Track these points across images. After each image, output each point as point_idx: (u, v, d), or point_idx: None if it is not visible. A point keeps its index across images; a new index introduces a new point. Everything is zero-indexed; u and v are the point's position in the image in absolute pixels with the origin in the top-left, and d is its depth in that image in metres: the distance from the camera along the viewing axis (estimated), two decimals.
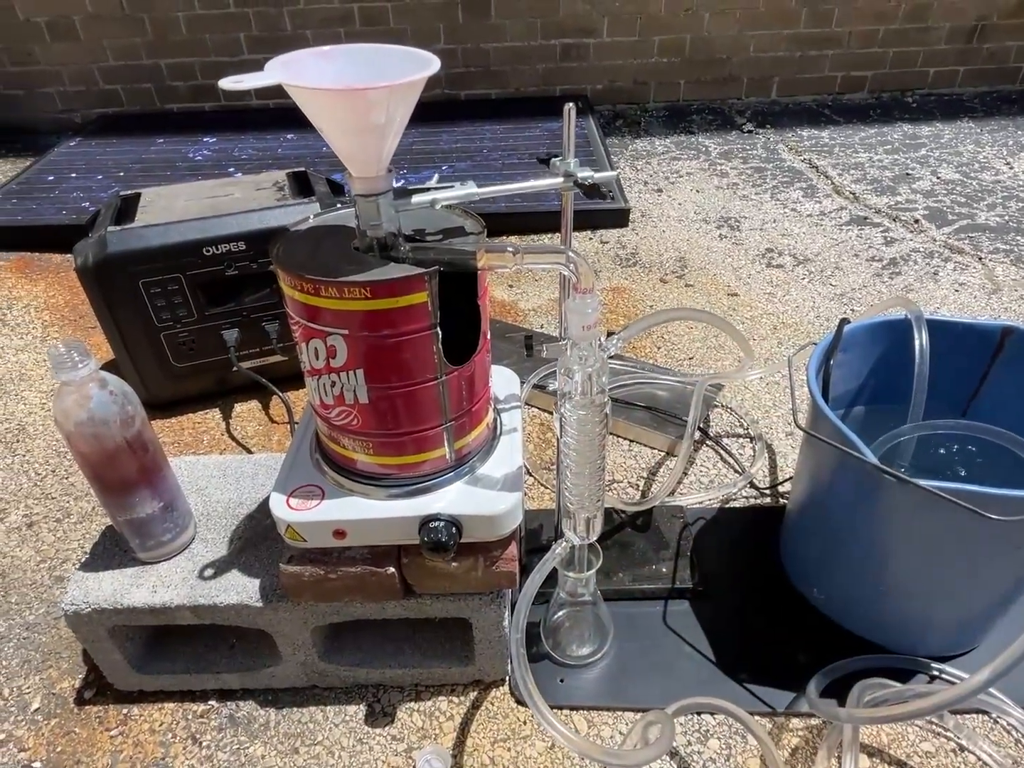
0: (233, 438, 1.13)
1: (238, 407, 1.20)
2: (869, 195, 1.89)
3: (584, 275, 0.50)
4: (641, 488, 1.01)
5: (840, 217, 1.79)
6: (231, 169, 2.01)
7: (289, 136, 2.22)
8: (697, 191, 1.96)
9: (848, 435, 0.63)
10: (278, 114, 2.47)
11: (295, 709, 0.75)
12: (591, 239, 1.72)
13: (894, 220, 1.76)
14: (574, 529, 0.66)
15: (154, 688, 0.76)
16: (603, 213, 1.76)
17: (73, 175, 2.00)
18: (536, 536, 0.90)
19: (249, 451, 1.11)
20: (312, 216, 0.61)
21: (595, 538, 0.67)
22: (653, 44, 2.45)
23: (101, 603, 0.67)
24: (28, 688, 0.78)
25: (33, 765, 0.71)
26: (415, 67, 0.46)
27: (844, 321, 0.79)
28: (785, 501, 0.98)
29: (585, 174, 0.54)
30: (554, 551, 0.66)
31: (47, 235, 1.73)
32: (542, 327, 1.38)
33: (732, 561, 0.88)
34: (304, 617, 0.69)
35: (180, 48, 2.38)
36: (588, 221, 1.74)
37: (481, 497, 0.61)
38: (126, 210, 1.10)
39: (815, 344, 0.78)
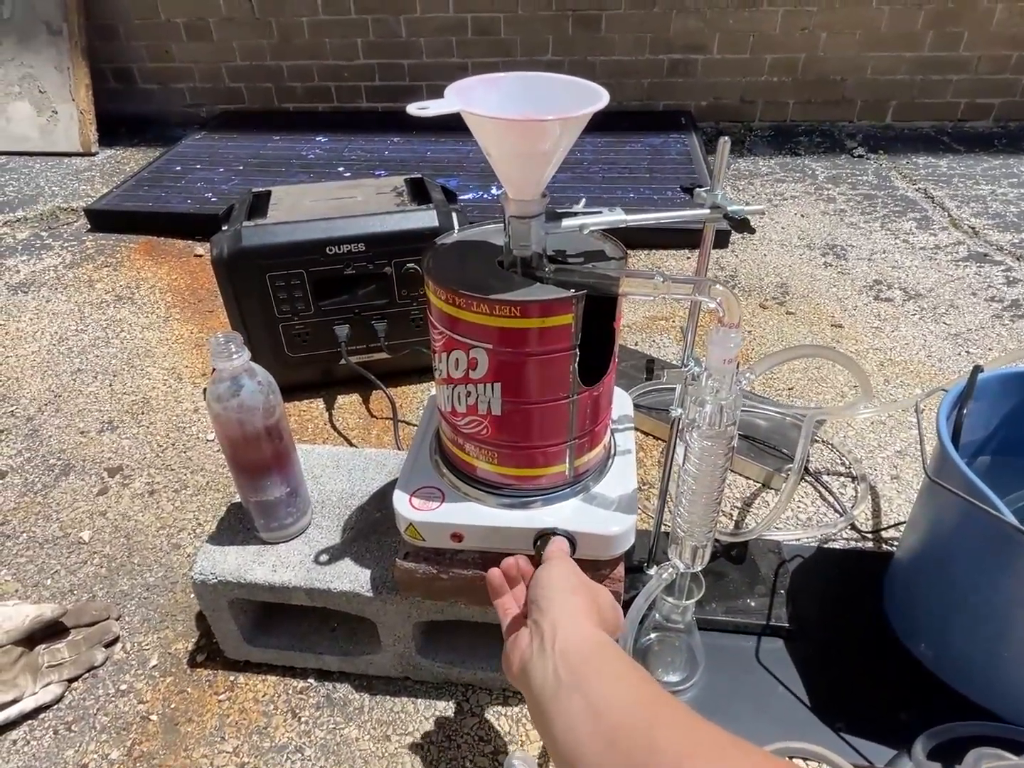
0: (335, 428, 1.19)
1: (341, 399, 1.25)
2: (990, 230, 1.79)
3: (731, 310, 0.50)
4: (735, 518, 1.00)
5: (957, 252, 1.70)
6: (340, 168, 2.10)
7: (395, 139, 2.30)
8: (802, 215, 1.90)
9: (983, 490, 0.61)
10: (386, 117, 2.56)
11: (388, 697, 0.78)
12: (688, 258, 1.70)
13: (1018, 259, 1.66)
14: (680, 556, 0.66)
15: (260, 660, 0.81)
16: (700, 232, 1.74)
17: (198, 166, 2.14)
18: (627, 555, 0.90)
19: (350, 442, 1.16)
20: (456, 230, 0.63)
21: (701, 568, 0.67)
22: (764, 62, 2.40)
23: (226, 576, 0.72)
24: (147, 645, 0.85)
25: (151, 717, 0.77)
26: (585, 99, 0.48)
27: (978, 369, 0.75)
28: (889, 547, 0.94)
29: (735, 207, 0.54)
30: (660, 576, 0.66)
31: (172, 221, 1.86)
32: (636, 345, 1.38)
33: (830, 604, 0.85)
34: (408, 611, 0.71)
35: (301, 51, 2.50)
36: (685, 240, 1.72)
37: (597, 516, 0.62)
38: (258, 206, 1.17)
39: (944, 390, 0.75)
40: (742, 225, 0.51)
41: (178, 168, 2.13)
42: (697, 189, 0.58)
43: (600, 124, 2.39)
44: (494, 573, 0.57)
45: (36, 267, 1.72)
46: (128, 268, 1.71)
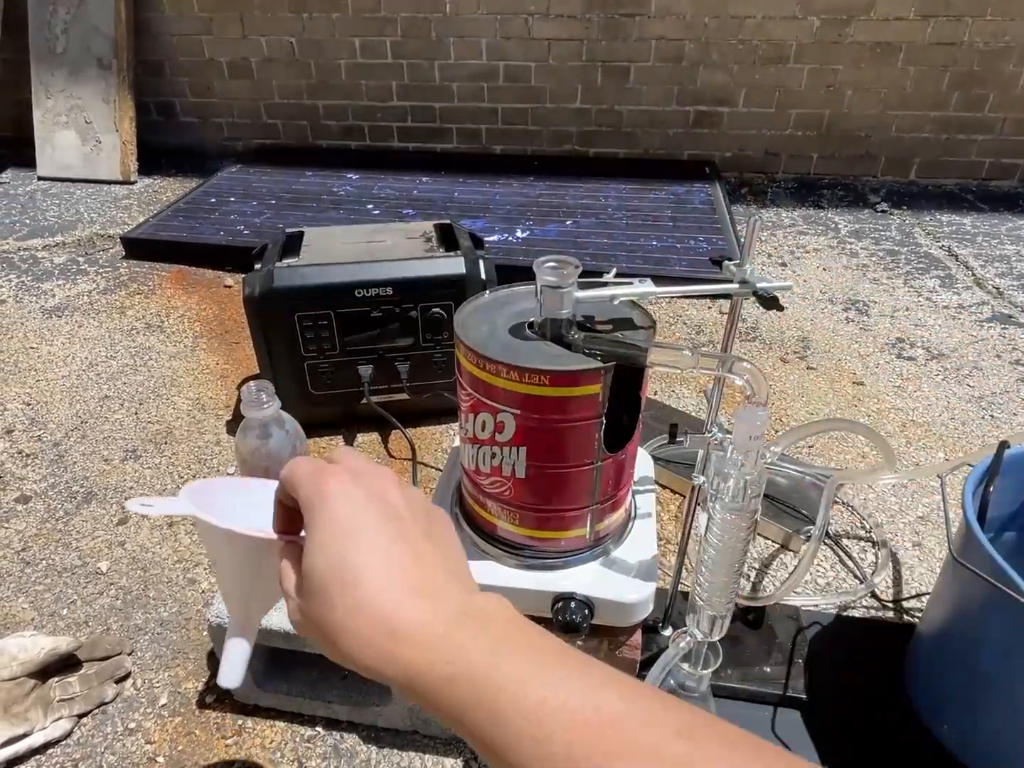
0: None
1: (360, 438, 1.26)
2: (1015, 291, 1.78)
3: (759, 387, 0.50)
4: (752, 580, 0.98)
5: (981, 312, 1.70)
6: (369, 206, 2.15)
7: (424, 179, 2.36)
8: (824, 269, 1.91)
9: (1010, 574, 0.60)
10: (416, 157, 2.63)
11: (395, 751, 0.77)
12: (709, 308, 1.71)
13: None
14: (698, 625, 0.65)
15: (268, 705, 0.80)
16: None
17: (232, 199, 2.21)
18: None
19: None
20: (488, 291, 0.65)
21: (718, 638, 0.66)
22: (789, 117, 2.44)
23: None
24: (158, 683, 0.85)
25: (157, 759, 0.77)
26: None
27: (1004, 445, 0.75)
28: (911, 618, 0.92)
29: (765, 284, 0.55)
30: (677, 644, 0.65)
31: (204, 252, 1.91)
32: (656, 394, 1.38)
33: (850, 676, 0.83)
34: None
35: (337, 91, 2.59)
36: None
37: (616, 582, 0.62)
38: (291, 246, 1.20)
39: (970, 465, 0.74)
40: (770, 303, 0.52)
41: (213, 200, 2.20)
42: (726, 263, 0.59)
43: (625, 171, 2.41)
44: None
45: (71, 292, 1.77)
46: (159, 296, 1.75)
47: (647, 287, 0.56)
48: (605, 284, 0.57)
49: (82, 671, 0.82)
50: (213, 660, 0.86)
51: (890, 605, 0.94)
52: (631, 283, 0.57)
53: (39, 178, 2.51)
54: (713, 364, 0.52)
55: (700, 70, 2.38)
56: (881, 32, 2.26)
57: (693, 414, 1.31)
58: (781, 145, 2.49)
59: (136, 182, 2.48)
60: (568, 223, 2.04)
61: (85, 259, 1.95)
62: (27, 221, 2.19)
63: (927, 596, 0.94)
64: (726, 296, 0.57)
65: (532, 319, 0.59)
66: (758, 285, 0.55)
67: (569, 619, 0.59)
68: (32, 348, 1.52)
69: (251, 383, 0.64)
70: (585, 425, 0.55)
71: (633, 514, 0.69)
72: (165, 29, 2.55)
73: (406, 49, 2.47)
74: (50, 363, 1.47)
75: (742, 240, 2.04)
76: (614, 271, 0.59)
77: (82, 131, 2.48)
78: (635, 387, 0.58)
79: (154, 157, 2.62)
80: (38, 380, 1.42)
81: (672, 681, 0.75)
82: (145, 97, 2.64)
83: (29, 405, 1.34)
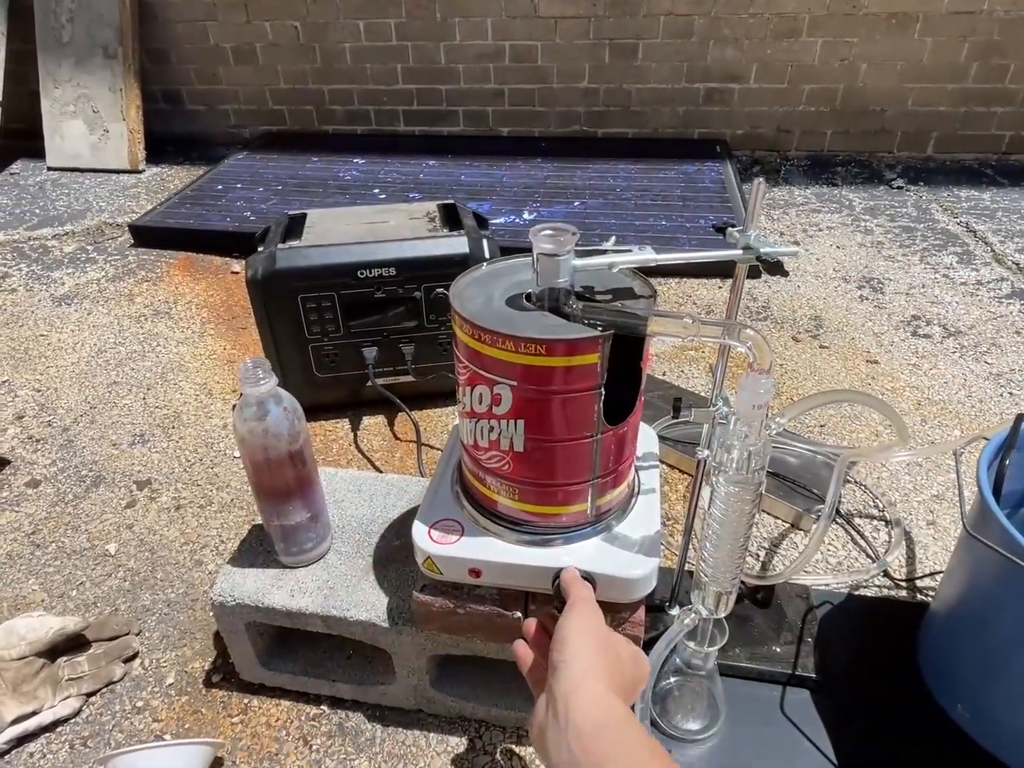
0: (359, 450, 1.19)
1: (366, 420, 1.26)
2: None
3: (762, 355, 0.49)
4: (762, 559, 0.97)
5: (1000, 289, 1.65)
6: (376, 190, 2.14)
7: (431, 162, 2.34)
8: (837, 247, 1.87)
9: None
10: (422, 141, 2.61)
11: (400, 730, 0.77)
12: (720, 288, 1.68)
13: None
14: (703, 601, 0.64)
15: (274, 684, 0.80)
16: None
17: (238, 186, 2.20)
18: (648, 594, 0.88)
19: (374, 464, 1.16)
20: (485, 262, 0.63)
21: (725, 614, 0.65)
22: (802, 92, 2.39)
23: (245, 599, 0.72)
24: (165, 662, 0.85)
25: (165, 737, 0.77)
26: None
27: (1021, 417, 0.72)
28: (924, 597, 0.90)
29: (769, 249, 0.53)
30: (682, 622, 0.64)
31: (211, 239, 1.91)
32: (664, 375, 1.36)
33: (861, 655, 0.82)
34: (424, 644, 0.70)
35: (342, 75, 2.57)
36: (717, 269, 1.71)
37: (618, 557, 0.60)
38: (293, 228, 1.19)
39: (985, 439, 0.72)
40: (775, 268, 0.50)
41: (219, 187, 2.20)
42: (729, 229, 0.58)
43: (634, 151, 2.37)
44: (519, 645, 0.56)
45: (80, 280, 1.78)
46: (167, 283, 1.75)
47: (647, 254, 0.55)
48: (604, 252, 0.56)
49: (90, 651, 0.83)
50: (219, 640, 0.86)
51: (903, 584, 0.93)
52: (630, 251, 0.55)
53: (48, 168, 2.52)
54: (716, 332, 0.51)
55: (710, 46, 2.33)
56: (897, 2, 2.20)
57: (702, 393, 1.30)
58: (794, 121, 2.44)
59: (144, 170, 2.49)
60: (576, 204, 2.02)
61: (94, 247, 1.96)
62: (37, 211, 2.20)
63: (941, 575, 0.92)
64: (730, 263, 0.55)
65: (529, 290, 0.58)
66: (762, 250, 0.53)
67: None
68: (42, 336, 1.53)
69: (247, 359, 0.63)
70: (584, 396, 0.54)
71: (637, 490, 0.68)
72: (170, 16, 2.54)
73: (411, 31, 2.45)
74: (60, 350, 1.48)
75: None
76: (613, 239, 0.57)
77: (90, 120, 2.48)
78: (635, 358, 0.57)
79: (161, 145, 2.62)
80: (48, 367, 1.43)
81: (678, 659, 0.74)
82: (151, 85, 2.63)
83: (39, 391, 1.35)
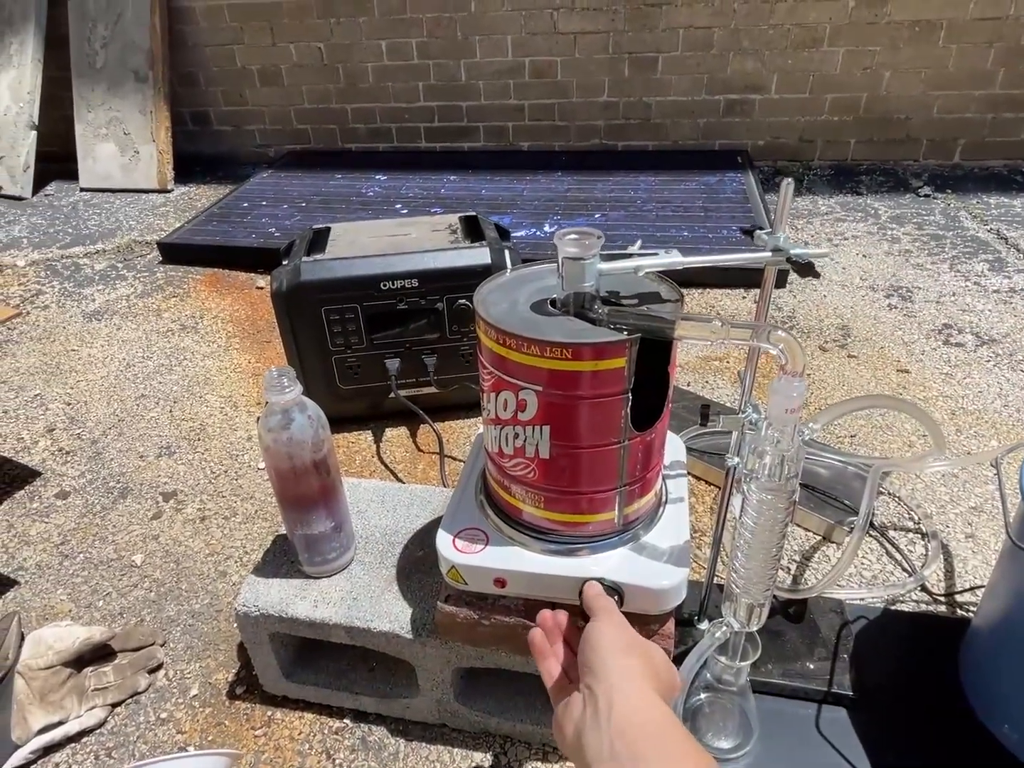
0: (382, 461, 1.19)
1: (388, 432, 1.26)
2: None
3: (794, 357, 0.47)
4: (793, 572, 0.94)
5: None
6: (398, 205, 2.16)
7: (452, 177, 2.36)
8: (864, 256, 1.84)
9: None
10: (443, 157, 2.64)
11: (424, 744, 0.76)
12: (744, 298, 1.66)
13: None
14: (735, 614, 0.62)
15: (297, 696, 0.80)
16: (758, 270, 1.71)
17: (263, 203, 2.24)
18: (677, 607, 0.86)
19: (396, 476, 1.16)
20: (509, 269, 0.63)
21: (757, 628, 0.63)
22: (824, 101, 2.37)
23: (268, 609, 0.71)
24: (189, 673, 0.85)
25: (188, 748, 0.77)
26: None
27: None
28: (964, 613, 0.87)
29: (799, 251, 0.52)
30: (713, 634, 0.63)
31: (236, 255, 1.94)
32: (688, 385, 1.35)
33: (900, 673, 0.79)
34: (448, 656, 0.69)
35: (365, 94, 2.61)
36: (741, 279, 1.69)
37: (646, 568, 0.59)
38: (317, 242, 1.21)
39: None
40: (806, 269, 0.49)
41: (245, 204, 2.24)
42: (757, 231, 0.56)
43: (655, 163, 2.37)
44: (535, 634, 0.54)
45: (110, 296, 1.81)
46: (194, 299, 1.78)
47: (674, 257, 0.54)
48: (629, 256, 0.55)
49: (116, 661, 0.83)
50: (243, 651, 0.86)
51: (942, 599, 0.89)
52: (657, 254, 0.54)
53: (81, 189, 2.59)
54: (746, 335, 0.50)
55: (730, 57, 2.33)
56: (920, 10, 2.18)
57: (728, 404, 1.28)
58: (816, 131, 2.42)
59: (172, 190, 2.54)
60: (597, 216, 2.02)
61: (124, 265, 2.00)
62: (70, 230, 2.26)
63: (982, 589, 0.89)
64: (755, 271, 0.54)
65: (555, 295, 0.57)
66: (792, 252, 0.52)
67: None
68: (73, 351, 1.57)
69: (272, 368, 0.63)
70: (610, 401, 0.53)
71: (664, 499, 0.66)
72: (199, 40, 2.61)
73: (432, 49, 2.48)
74: (90, 364, 1.51)
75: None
76: (639, 243, 0.57)
77: (121, 142, 2.55)
78: (663, 363, 0.56)
79: (189, 165, 2.68)
80: (78, 381, 1.45)
81: (708, 674, 0.72)
82: (180, 107, 2.70)
83: (69, 404, 1.38)
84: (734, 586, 0.61)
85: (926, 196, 2.19)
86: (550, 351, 0.50)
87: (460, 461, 1.17)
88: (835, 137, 2.42)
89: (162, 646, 0.88)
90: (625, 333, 0.52)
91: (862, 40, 2.25)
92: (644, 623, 0.61)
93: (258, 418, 1.28)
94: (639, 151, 2.52)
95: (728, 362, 1.42)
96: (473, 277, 1.13)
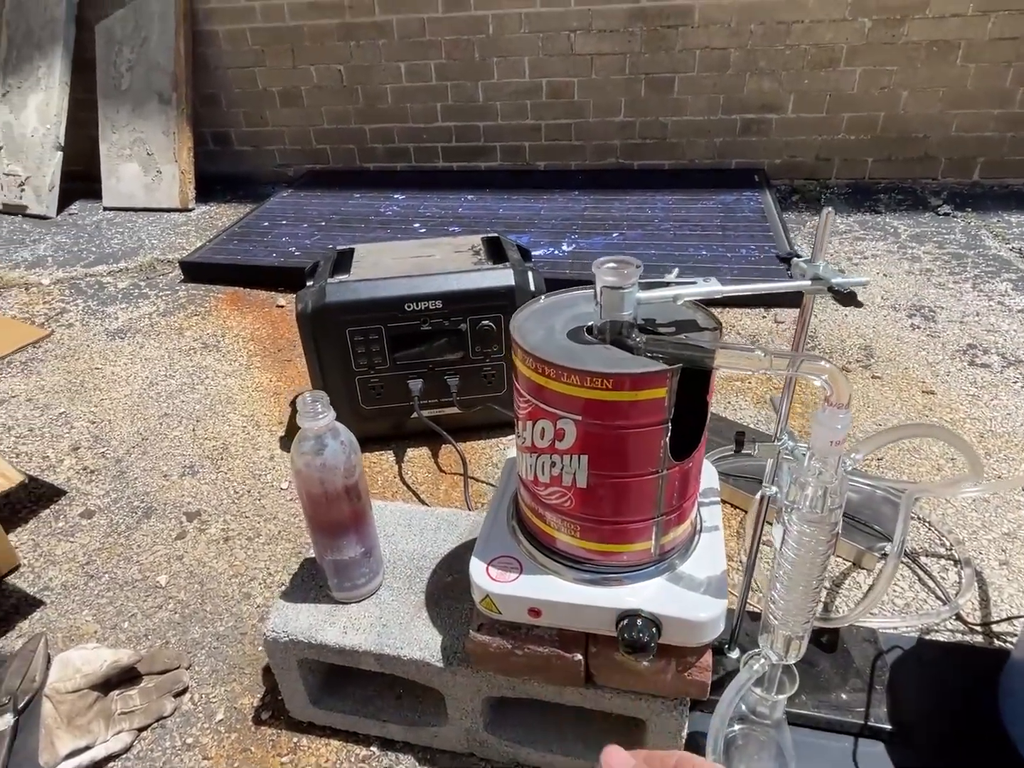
0: (404, 482, 1.19)
1: (410, 452, 1.26)
2: None
3: (840, 388, 0.47)
4: (823, 600, 0.93)
5: None
6: (416, 224, 2.18)
7: (469, 197, 2.38)
8: (884, 275, 1.83)
9: None
10: (461, 176, 2.66)
11: None
12: (764, 317, 1.66)
13: None
14: (772, 646, 0.61)
15: (324, 723, 0.79)
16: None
17: (283, 222, 2.27)
18: None
19: (419, 496, 1.15)
20: (543, 297, 0.63)
21: (795, 661, 0.62)
22: (841, 120, 2.37)
23: (297, 635, 0.71)
24: (214, 697, 0.85)
25: None
26: None
27: None
28: (1002, 644, 0.85)
29: (840, 280, 0.51)
30: (751, 667, 0.61)
31: (257, 274, 1.96)
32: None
33: (938, 706, 0.77)
34: (479, 685, 0.69)
35: (383, 115, 2.65)
36: (761, 298, 1.68)
37: (684, 599, 0.58)
38: (342, 263, 1.21)
39: None
40: (848, 299, 0.49)
41: (266, 224, 2.26)
42: (795, 259, 0.56)
43: (672, 182, 2.37)
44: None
45: (133, 314, 1.84)
46: (215, 317, 1.80)
47: (712, 286, 0.54)
48: (667, 284, 0.55)
49: (142, 684, 0.83)
50: (268, 675, 0.85)
51: (978, 629, 0.87)
52: (695, 283, 0.54)
53: (104, 208, 2.63)
54: (787, 365, 0.49)
55: (747, 78, 2.34)
56: (937, 30, 2.18)
57: (752, 425, 1.26)
58: (833, 150, 2.42)
59: (193, 209, 2.58)
60: (614, 235, 2.02)
61: (146, 283, 2.03)
62: (93, 249, 2.29)
63: (1021, 619, 0.87)
64: (797, 295, 0.54)
65: (591, 323, 0.57)
66: (833, 280, 0.52)
67: (636, 637, 0.55)
68: (97, 369, 1.58)
69: (306, 394, 0.64)
70: (650, 431, 0.52)
71: (699, 527, 0.66)
72: (221, 63, 2.66)
73: (450, 71, 2.51)
74: (113, 383, 1.53)
75: (795, 247, 1.97)
76: (676, 271, 0.56)
77: (144, 163, 2.59)
78: (701, 391, 0.55)
79: (210, 185, 2.72)
80: (102, 399, 1.47)
81: (743, 705, 0.70)
82: (202, 128, 2.75)
83: (94, 423, 1.39)
84: (772, 618, 0.60)
85: (945, 214, 2.18)
86: (590, 381, 0.50)
87: (483, 482, 1.17)
88: (852, 156, 2.42)
89: (187, 669, 0.87)
90: (663, 362, 0.51)
91: (879, 60, 2.25)
92: (680, 655, 0.60)
93: (280, 437, 1.29)
94: (655, 170, 2.53)
95: (749, 382, 1.41)
96: (496, 298, 1.14)
